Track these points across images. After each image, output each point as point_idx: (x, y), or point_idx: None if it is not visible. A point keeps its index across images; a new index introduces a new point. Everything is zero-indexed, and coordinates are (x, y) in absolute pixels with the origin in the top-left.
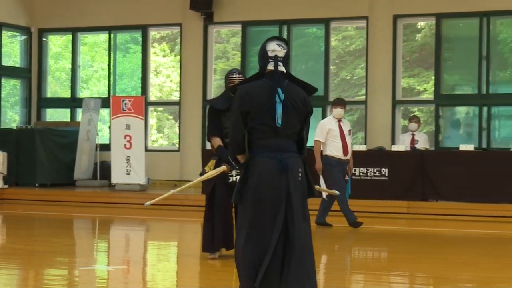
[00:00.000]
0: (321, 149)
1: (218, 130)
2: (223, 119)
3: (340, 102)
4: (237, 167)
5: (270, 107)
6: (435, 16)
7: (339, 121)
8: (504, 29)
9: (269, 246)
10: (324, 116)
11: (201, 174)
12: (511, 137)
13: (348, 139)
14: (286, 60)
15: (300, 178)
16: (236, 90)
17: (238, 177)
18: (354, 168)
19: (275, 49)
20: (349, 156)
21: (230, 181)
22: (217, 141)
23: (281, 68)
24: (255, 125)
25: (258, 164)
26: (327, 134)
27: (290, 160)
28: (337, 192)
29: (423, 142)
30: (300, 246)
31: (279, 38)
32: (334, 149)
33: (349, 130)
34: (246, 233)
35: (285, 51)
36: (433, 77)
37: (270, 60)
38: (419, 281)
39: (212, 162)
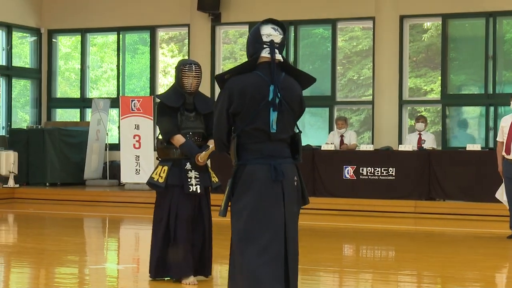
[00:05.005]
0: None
1: (178, 129)
2: (180, 117)
3: None
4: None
5: (264, 109)
6: (441, 16)
7: None
8: (510, 29)
9: (275, 257)
10: (331, 116)
11: (148, 182)
12: None
13: None
14: (282, 47)
15: (296, 186)
16: (224, 83)
17: (198, 186)
18: (361, 168)
19: (271, 33)
20: None
21: (190, 190)
22: (180, 138)
23: (278, 57)
24: (246, 129)
25: (249, 173)
26: (502, 132)
27: (284, 166)
28: (506, 203)
29: (430, 142)
30: (293, 253)
31: (274, 21)
32: (505, 148)
33: None
34: (245, 245)
35: (281, 36)
36: (439, 77)
37: (265, 46)
38: (426, 280)
39: (161, 169)
